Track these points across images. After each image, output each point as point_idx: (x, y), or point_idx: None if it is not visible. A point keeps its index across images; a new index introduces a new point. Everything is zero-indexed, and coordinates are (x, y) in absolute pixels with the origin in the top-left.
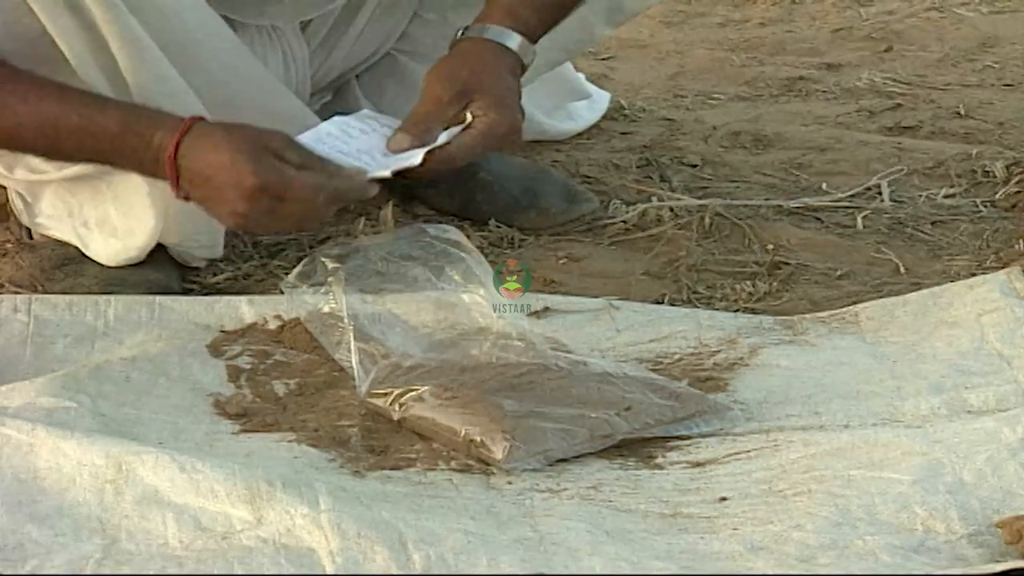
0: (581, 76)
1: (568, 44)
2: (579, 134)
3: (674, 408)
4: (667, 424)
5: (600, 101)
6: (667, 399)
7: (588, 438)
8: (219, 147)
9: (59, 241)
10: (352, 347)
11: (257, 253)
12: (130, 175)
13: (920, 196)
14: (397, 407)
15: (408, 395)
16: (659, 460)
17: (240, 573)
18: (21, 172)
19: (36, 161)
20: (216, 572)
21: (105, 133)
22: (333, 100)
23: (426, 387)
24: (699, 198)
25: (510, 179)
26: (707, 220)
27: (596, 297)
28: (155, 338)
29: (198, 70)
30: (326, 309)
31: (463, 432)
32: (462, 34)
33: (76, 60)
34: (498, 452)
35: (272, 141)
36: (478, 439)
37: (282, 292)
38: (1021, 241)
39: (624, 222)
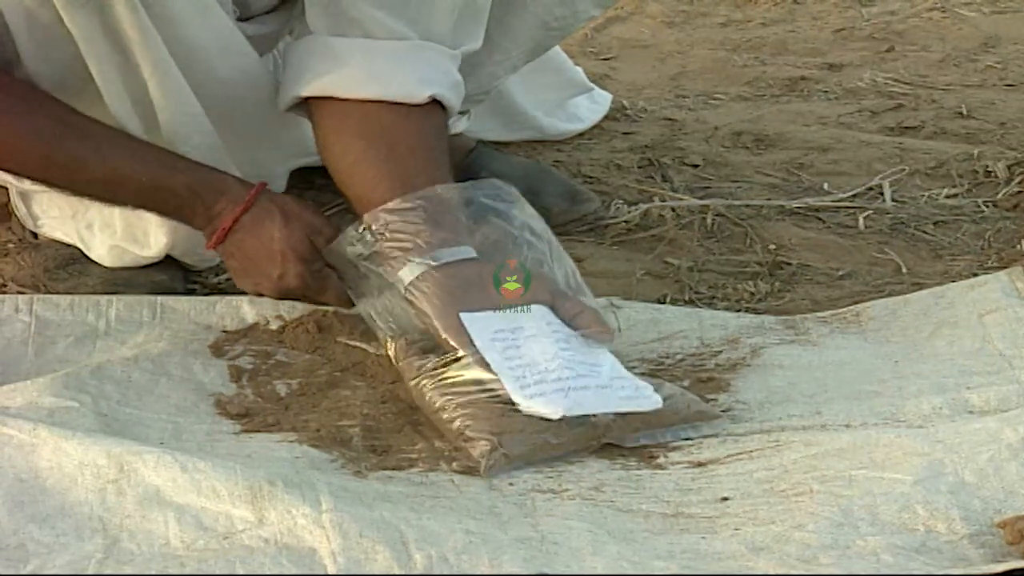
0: (580, 70)
1: (549, 20)
2: (580, 134)
3: (663, 415)
4: (654, 430)
5: (601, 101)
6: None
7: (573, 441)
8: (275, 237)
9: (62, 241)
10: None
11: None
12: None
13: (922, 196)
14: (414, 376)
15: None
16: (660, 460)
17: (242, 573)
18: (30, 181)
19: None
20: (218, 572)
21: (171, 195)
22: None
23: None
24: (701, 198)
25: (511, 179)
26: (709, 220)
27: (598, 297)
28: (156, 338)
29: (223, 109)
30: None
31: (456, 424)
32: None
33: (105, 85)
34: (477, 454)
35: (321, 239)
36: (466, 432)
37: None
38: (1023, 241)
39: (626, 222)
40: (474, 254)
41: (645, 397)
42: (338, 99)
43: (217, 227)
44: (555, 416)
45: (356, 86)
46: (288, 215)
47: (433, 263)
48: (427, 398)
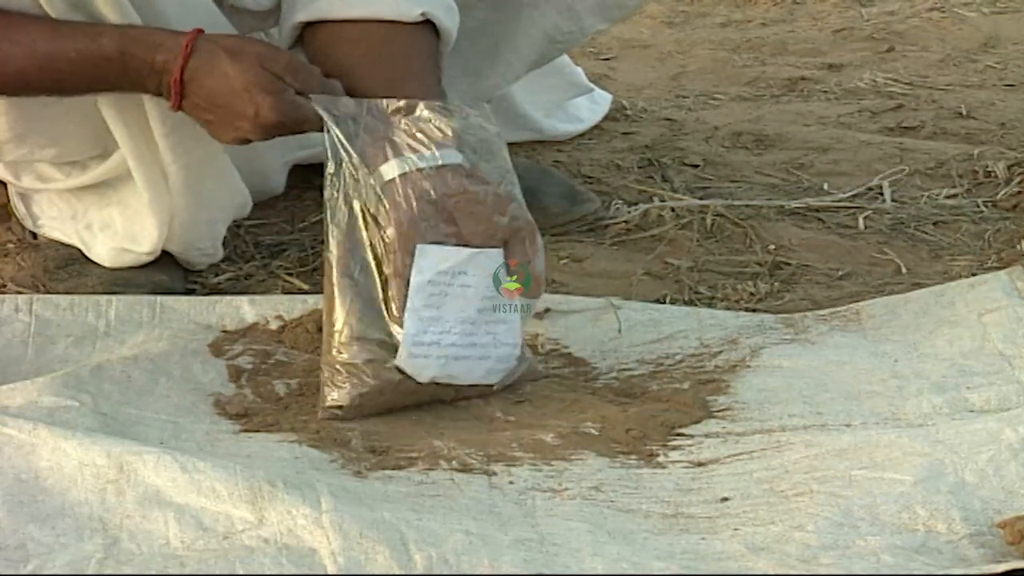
0: (580, 71)
1: (554, 34)
2: (580, 134)
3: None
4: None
5: (601, 101)
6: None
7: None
8: (230, 75)
9: (62, 241)
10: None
11: (259, 253)
12: (134, 184)
13: (922, 196)
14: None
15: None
16: (660, 459)
17: (242, 573)
18: (28, 180)
19: (44, 169)
20: (218, 572)
21: (105, 62)
22: None
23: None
24: (700, 198)
25: None
26: (708, 220)
27: (598, 297)
28: (156, 338)
29: None
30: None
31: (333, 356)
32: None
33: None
34: (326, 403)
35: (277, 66)
36: (335, 377)
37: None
38: (1022, 241)
39: (626, 222)
40: (459, 159)
41: (510, 367)
42: (331, 22)
43: (168, 82)
44: (421, 380)
45: (347, 7)
46: (233, 50)
47: (419, 164)
48: (333, 311)
